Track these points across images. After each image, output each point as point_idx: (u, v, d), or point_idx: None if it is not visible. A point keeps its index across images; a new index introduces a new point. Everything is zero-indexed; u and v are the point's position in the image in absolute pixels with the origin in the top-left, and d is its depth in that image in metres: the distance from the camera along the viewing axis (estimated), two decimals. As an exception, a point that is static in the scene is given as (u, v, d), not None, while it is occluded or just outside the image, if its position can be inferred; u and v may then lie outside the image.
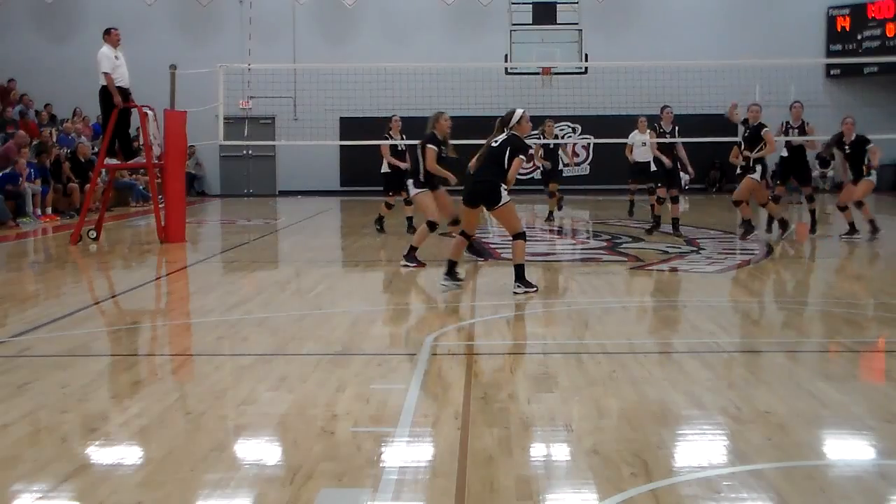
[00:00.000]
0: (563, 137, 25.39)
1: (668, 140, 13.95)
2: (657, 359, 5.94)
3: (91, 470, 3.96)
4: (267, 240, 14.90)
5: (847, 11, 26.46)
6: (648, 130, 14.92)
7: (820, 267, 11.36)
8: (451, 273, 8.71)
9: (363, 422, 4.58)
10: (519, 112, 8.56)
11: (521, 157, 8.32)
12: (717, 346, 6.40)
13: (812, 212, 14.03)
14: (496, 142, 8.46)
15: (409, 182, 10.58)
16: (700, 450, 4.27)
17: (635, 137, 16.07)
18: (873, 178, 13.23)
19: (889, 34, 25.56)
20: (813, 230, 13.86)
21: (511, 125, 8.51)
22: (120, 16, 22.53)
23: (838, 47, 26.60)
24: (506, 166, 8.32)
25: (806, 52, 25.44)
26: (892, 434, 4.37)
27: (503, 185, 8.33)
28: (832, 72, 26.67)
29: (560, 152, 16.95)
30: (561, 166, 17.29)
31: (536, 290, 8.41)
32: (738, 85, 23.58)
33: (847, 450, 4.32)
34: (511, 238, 8.60)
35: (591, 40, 21.87)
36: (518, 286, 8.39)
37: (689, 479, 3.79)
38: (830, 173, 26.30)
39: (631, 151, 16.25)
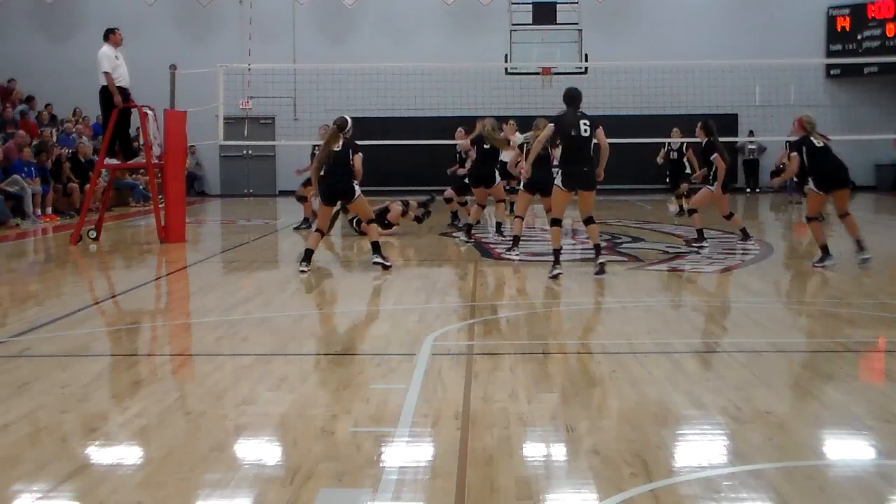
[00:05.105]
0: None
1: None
2: (657, 359, 5.93)
3: (91, 470, 3.96)
4: (267, 240, 14.89)
5: (847, 11, 26.44)
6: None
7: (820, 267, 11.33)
8: (308, 260, 10.03)
9: (363, 422, 4.58)
10: (350, 120, 10.33)
11: (360, 154, 10.12)
12: (717, 346, 6.40)
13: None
14: (339, 147, 10.04)
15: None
16: (700, 450, 4.26)
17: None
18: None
19: (889, 34, 25.55)
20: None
21: (346, 131, 10.16)
22: (120, 16, 22.50)
23: (838, 47, 26.59)
24: (351, 165, 10.08)
25: (806, 52, 25.44)
26: (892, 434, 4.37)
27: (355, 182, 10.10)
28: (832, 72, 26.65)
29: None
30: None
31: (390, 266, 10.04)
32: (738, 85, 23.64)
33: (847, 450, 4.32)
34: (366, 223, 10.56)
35: (591, 40, 21.86)
36: (376, 257, 10.08)
37: (689, 479, 3.79)
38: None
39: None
